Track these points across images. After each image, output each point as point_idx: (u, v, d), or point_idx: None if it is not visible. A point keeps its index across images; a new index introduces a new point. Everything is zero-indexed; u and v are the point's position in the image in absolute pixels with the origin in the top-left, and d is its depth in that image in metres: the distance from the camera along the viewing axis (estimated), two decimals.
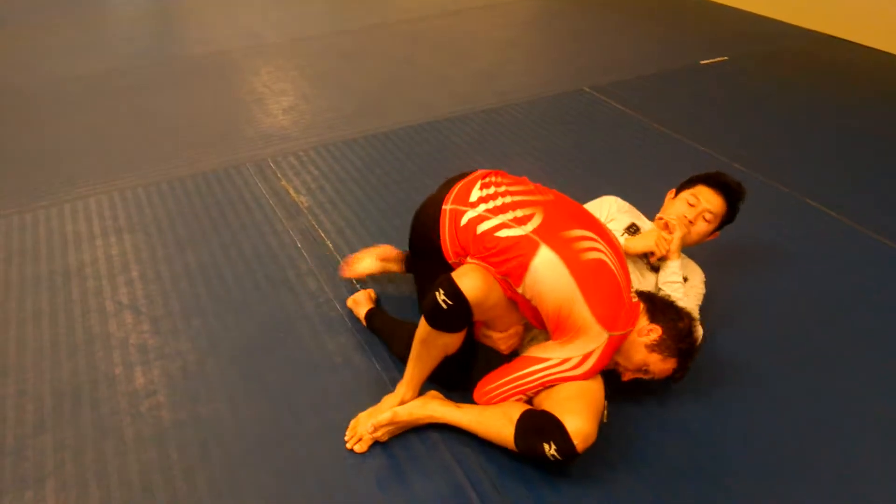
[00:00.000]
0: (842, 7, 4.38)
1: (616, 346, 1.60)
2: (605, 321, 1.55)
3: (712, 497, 1.58)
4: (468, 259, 1.65)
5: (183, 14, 5.61)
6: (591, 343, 1.56)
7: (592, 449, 1.67)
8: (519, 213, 1.63)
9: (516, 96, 3.71)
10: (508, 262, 1.58)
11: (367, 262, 2.20)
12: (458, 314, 1.55)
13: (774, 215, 2.61)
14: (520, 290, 1.60)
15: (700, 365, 1.92)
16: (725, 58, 4.14)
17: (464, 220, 1.66)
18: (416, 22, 5.06)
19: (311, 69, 4.25)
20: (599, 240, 1.62)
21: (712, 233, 1.99)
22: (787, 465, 1.65)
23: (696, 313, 1.95)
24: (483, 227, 1.62)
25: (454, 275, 1.55)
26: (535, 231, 1.59)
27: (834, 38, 4.39)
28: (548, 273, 1.55)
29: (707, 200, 1.93)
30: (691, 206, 1.94)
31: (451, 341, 1.63)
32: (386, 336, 2.00)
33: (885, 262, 2.32)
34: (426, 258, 1.77)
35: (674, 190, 2.05)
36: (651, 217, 2.08)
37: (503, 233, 1.60)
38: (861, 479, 1.61)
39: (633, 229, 2.01)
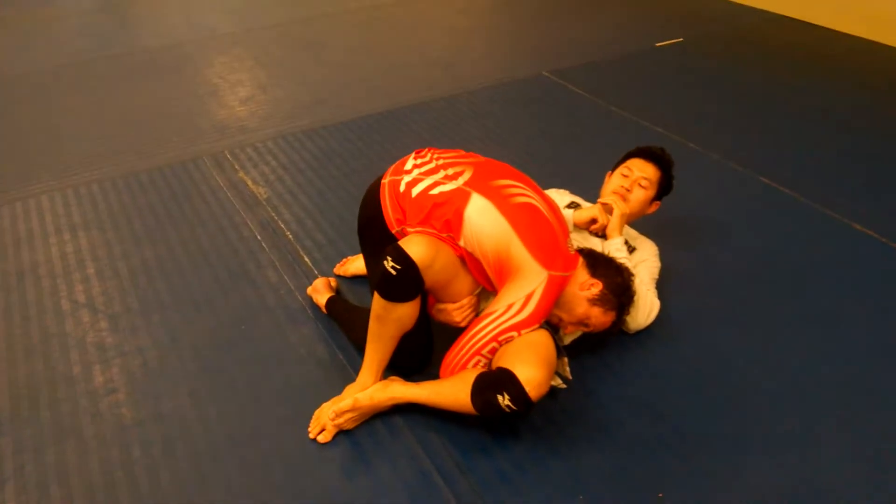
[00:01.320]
0: None
1: (557, 288, 1.64)
2: (542, 258, 1.60)
3: (674, 468, 1.61)
4: (408, 229, 1.69)
5: (135, 6, 5.49)
6: (531, 282, 1.60)
7: (556, 425, 1.71)
8: (450, 171, 1.71)
9: (476, 82, 3.71)
10: (445, 215, 1.64)
11: (362, 262, 2.20)
12: (408, 279, 1.57)
13: (729, 193, 2.66)
14: (461, 244, 1.65)
15: (657, 339, 1.96)
16: (680, 39, 4.19)
17: (402, 187, 1.72)
18: (374, 9, 5.02)
19: (268, 59, 4.20)
20: (528, 189, 1.71)
21: (653, 202, 2.09)
22: (748, 436, 1.69)
23: (652, 287, 2.00)
24: (418, 188, 1.69)
25: (400, 242, 1.60)
26: (465, 183, 1.67)
27: (787, 18, 4.47)
28: (481, 218, 1.62)
29: (639, 169, 2.06)
30: (625, 176, 2.06)
31: (405, 313, 1.64)
32: (345, 322, 2.00)
33: (836, 237, 2.39)
34: (372, 235, 1.80)
35: (610, 171, 2.14)
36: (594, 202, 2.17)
37: (437, 190, 1.67)
38: (820, 448, 1.66)
39: (573, 205, 2.10)
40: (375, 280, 1.62)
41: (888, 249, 2.32)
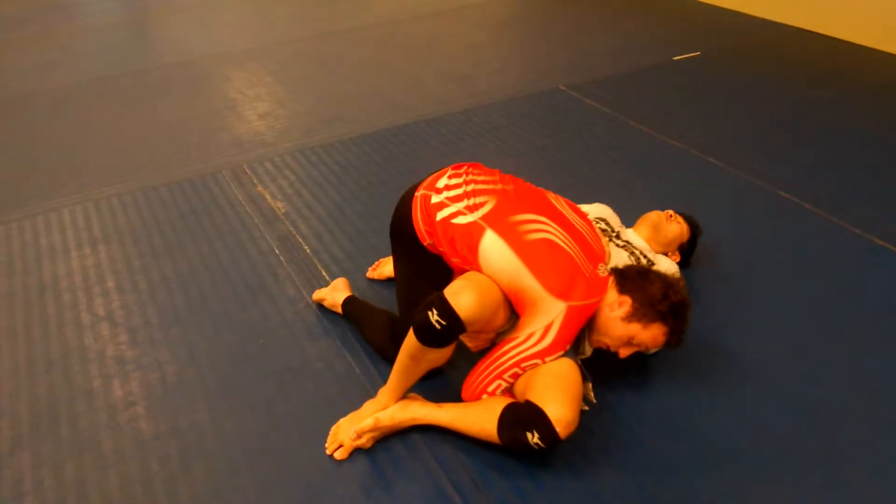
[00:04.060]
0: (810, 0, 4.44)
1: (579, 316, 1.61)
2: (558, 291, 1.59)
3: (695, 489, 1.59)
4: (439, 248, 1.72)
5: (154, 24, 5.57)
6: (548, 314, 1.59)
7: (574, 442, 1.69)
8: (474, 200, 1.71)
9: (492, 97, 3.72)
10: (464, 243, 1.67)
11: None
12: (452, 333, 1.54)
13: (748, 208, 2.64)
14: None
15: (679, 356, 1.94)
16: (698, 53, 4.17)
17: (431, 206, 1.74)
18: (390, 25, 5.06)
19: (286, 74, 4.23)
20: (549, 222, 1.68)
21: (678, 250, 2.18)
22: (772, 458, 1.66)
23: None
24: (442, 213, 1.71)
25: (448, 293, 1.54)
26: (482, 217, 1.68)
27: (805, 31, 4.44)
28: (493, 254, 1.63)
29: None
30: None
31: (440, 356, 1.63)
32: (363, 324, 2.01)
33: (860, 252, 2.35)
34: (404, 242, 1.82)
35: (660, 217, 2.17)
36: (628, 223, 2.21)
37: (458, 220, 1.69)
38: (848, 464, 1.63)
39: (597, 222, 2.09)
40: (416, 325, 1.56)
41: None
